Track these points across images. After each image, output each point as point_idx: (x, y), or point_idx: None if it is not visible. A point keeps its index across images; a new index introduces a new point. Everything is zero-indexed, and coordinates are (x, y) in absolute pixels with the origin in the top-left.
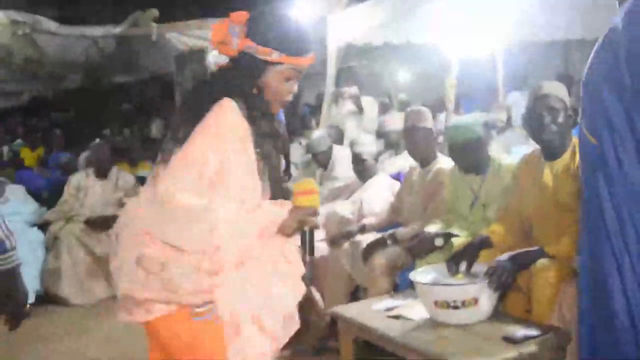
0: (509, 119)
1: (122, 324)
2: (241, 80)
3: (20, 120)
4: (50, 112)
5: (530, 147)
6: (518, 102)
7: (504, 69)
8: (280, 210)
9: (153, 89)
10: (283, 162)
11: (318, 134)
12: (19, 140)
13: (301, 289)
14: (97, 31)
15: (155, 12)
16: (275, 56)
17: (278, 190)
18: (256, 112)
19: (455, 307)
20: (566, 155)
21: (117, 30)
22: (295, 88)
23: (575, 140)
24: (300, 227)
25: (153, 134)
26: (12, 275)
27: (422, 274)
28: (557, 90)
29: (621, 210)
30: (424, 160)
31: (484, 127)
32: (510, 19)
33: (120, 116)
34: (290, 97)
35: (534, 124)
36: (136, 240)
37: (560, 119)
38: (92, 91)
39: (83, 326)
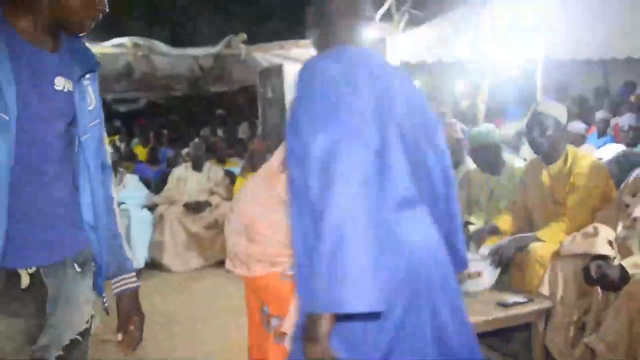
0: None
1: (209, 287)
2: None
3: (137, 122)
4: (161, 115)
5: None
6: None
7: (543, 81)
8: None
9: (241, 98)
10: None
11: None
12: (135, 139)
13: None
14: (198, 51)
15: (244, 36)
16: None
17: None
18: None
19: (463, 279)
20: (560, 161)
21: (214, 50)
22: None
23: (569, 148)
24: None
25: (240, 135)
26: (136, 298)
27: None
28: (550, 109)
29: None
30: (455, 163)
31: (498, 135)
32: (551, 36)
33: (215, 119)
34: None
35: (528, 135)
36: (244, 212)
37: (549, 133)
38: (194, 98)
39: (180, 288)
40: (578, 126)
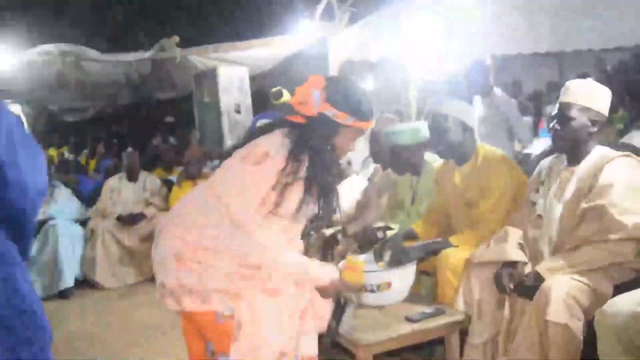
0: None
1: (144, 303)
2: (319, 137)
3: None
4: (111, 125)
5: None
6: None
7: (494, 77)
8: (324, 273)
9: (190, 103)
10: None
11: None
12: (85, 150)
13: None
14: (130, 57)
15: (176, 38)
16: (349, 121)
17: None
18: (327, 164)
19: (372, 291)
20: (471, 161)
21: (147, 55)
22: (355, 145)
23: (479, 148)
24: (338, 296)
25: (193, 141)
26: None
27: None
28: (453, 110)
29: None
30: (386, 162)
31: (418, 134)
32: (497, 31)
33: (165, 127)
34: (349, 152)
35: (431, 138)
36: (176, 236)
37: (452, 136)
38: (141, 106)
39: (113, 307)
40: (525, 120)
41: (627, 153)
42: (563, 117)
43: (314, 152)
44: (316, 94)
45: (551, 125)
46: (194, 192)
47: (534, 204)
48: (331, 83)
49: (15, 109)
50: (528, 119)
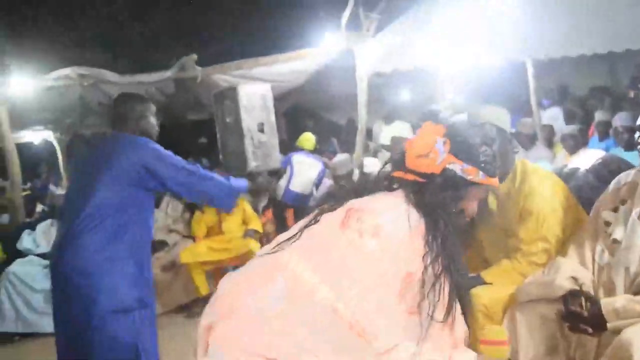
0: (534, 135)
1: (168, 336)
2: (445, 199)
3: None
4: None
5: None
6: (557, 118)
7: (536, 82)
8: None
9: None
10: None
11: (342, 158)
12: None
13: None
14: (150, 77)
15: (194, 56)
16: (480, 177)
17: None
18: (462, 238)
19: None
20: (509, 180)
21: (166, 75)
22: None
23: (519, 163)
24: None
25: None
26: None
27: None
28: (492, 116)
29: None
30: None
31: None
32: (541, 32)
33: (197, 149)
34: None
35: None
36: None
37: (495, 147)
38: (173, 127)
39: None
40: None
41: None
42: None
43: (445, 224)
44: (440, 144)
45: (638, 137)
46: (259, 281)
47: (607, 224)
48: (452, 131)
49: (47, 135)
50: (574, 127)
